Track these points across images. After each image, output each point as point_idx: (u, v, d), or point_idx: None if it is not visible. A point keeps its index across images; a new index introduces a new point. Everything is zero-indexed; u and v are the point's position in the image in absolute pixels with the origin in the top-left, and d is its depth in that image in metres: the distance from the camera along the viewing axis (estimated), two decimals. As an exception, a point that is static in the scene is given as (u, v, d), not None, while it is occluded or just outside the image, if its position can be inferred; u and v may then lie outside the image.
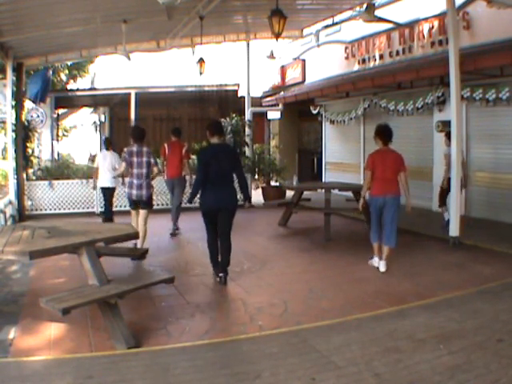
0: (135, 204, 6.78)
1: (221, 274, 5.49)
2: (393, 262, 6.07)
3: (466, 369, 3.23)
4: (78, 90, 17.42)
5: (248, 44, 12.72)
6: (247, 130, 12.73)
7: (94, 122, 20.66)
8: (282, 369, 3.31)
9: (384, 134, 5.98)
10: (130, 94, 15.26)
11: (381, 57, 11.29)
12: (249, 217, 9.95)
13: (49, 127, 14.66)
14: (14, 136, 10.01)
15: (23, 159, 10.39)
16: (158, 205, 10.69)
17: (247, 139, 12.66)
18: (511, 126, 8.36)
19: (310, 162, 15.48)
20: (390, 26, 10.52)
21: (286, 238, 8.31)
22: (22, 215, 9.99)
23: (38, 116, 12.81)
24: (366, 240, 7.48)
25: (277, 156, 15.08)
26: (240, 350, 3.71)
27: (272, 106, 14.82)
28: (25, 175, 10.58)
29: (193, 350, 3.71)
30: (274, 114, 15.50)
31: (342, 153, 13.47)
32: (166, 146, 8.56)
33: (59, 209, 10.63)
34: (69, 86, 18.04)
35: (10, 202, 9.66)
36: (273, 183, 13.16)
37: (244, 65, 13.09)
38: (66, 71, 17.84)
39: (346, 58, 12.61)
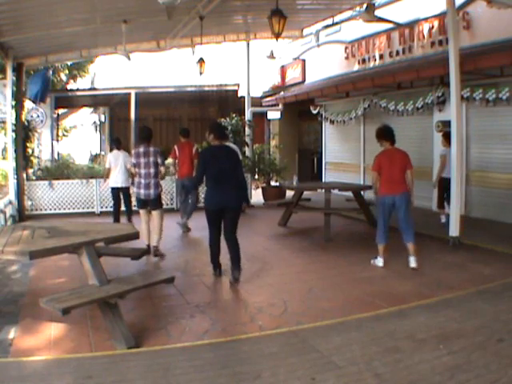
0: (144, 203, 6.85)
1: (231, 276, 5.43)
2: (393, 262, 6.07)
3: (466, 369, 3.23)
4: (78, 89, 17.43)
5: (248, 44, 12.71)
6: (247, 129, 12.73)
7: (94, 122, 20.69)
8: (281, 369, 3.31)
9: (388, 134, 6.00)
10: (129, 94, 15.29)
11: (381, 57, 11.28)
12: (249, 217, 9.94)
13: (49, 127, 14.66)
14: (14, 136, 9.99)
15: (23, 159, 10.38)
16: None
17: (247, 139, 12.66)
18: (511, 126, 8.36)
19: (309, 162, 15.48)
20: (389, 25, 10.51)
21: (285, 237, 8.30)
22: (21, 215, 9.98)
23: (38, 116, 12.82)
24: (366, 240, 7.48)
25: (277, 156, 15.06)
26: (240, 350, 3.70)
27: (272, 106, 14.81)
28: (25, 175, 10.57)
29: (193, 349, 3.71)
30: (273, 114, 15.50)
31: (342, 153, 13.46)
32: (175, 148, 8.67)
33: (59, 209, 10.63)
34: (69, 86, 18.06)
35: (10, 202, 9.65)
36: (273, 183, 13.15)
37: (244, 65, 13.08)
38: (66, 71, 17.86)
39: (346, 57, 12.60)
